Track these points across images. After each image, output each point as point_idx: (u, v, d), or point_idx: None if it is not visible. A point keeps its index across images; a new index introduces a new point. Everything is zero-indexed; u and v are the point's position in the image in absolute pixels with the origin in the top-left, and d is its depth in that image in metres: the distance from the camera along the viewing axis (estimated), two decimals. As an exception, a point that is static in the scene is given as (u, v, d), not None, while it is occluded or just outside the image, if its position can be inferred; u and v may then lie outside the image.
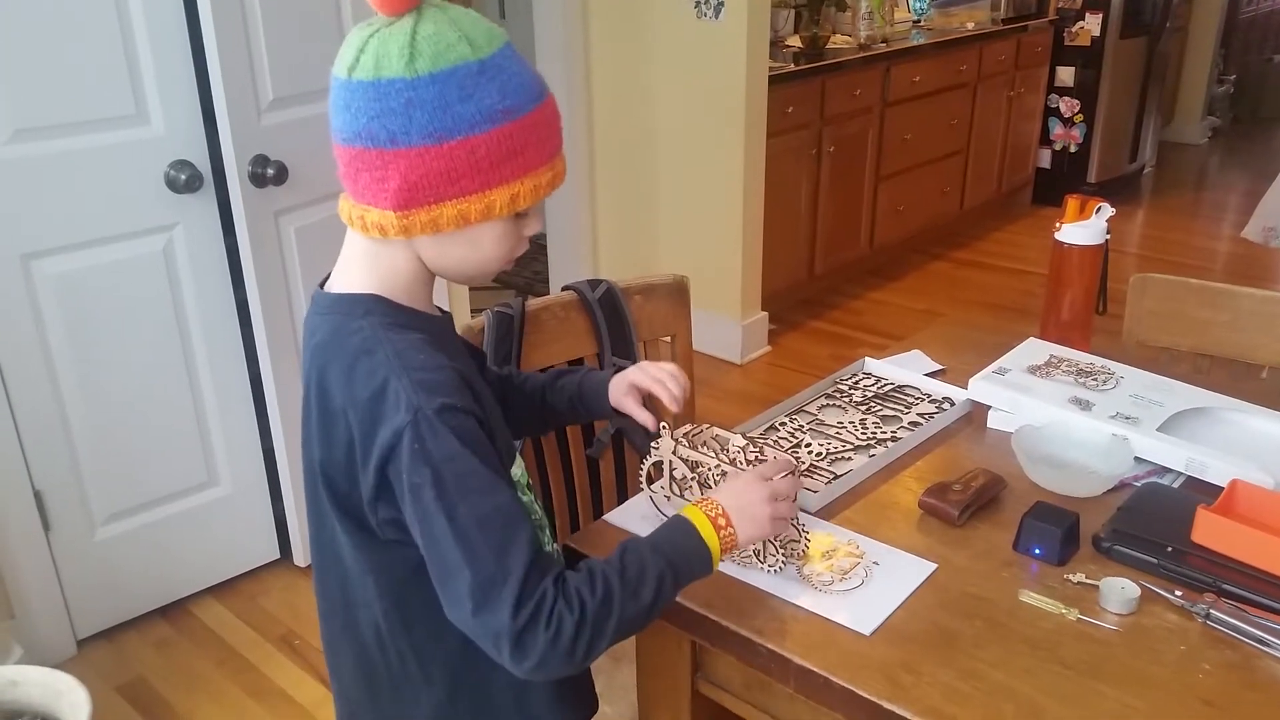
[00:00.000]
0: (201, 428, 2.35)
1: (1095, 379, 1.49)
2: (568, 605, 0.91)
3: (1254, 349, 1.72)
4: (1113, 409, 1.41)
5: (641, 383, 1.24)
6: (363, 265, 1.02)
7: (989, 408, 1.48)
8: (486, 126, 0.93)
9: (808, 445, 1.41)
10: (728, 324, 3.59)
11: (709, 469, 1.17)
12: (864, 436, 1.44)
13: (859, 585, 1.14)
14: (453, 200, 0.95)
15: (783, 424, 1.48)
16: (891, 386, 1.58)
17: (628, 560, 0.97)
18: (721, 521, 1.02)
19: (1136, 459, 1.33)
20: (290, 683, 2.20)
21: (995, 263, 4.60)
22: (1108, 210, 1.59)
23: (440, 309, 1.10)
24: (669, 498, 1.23)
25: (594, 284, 1.62)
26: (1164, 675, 1.01)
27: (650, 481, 1.25)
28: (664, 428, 1.21)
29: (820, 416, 1.51)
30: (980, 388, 1.49)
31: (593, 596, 0.93)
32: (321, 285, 1.07)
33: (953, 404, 1.51)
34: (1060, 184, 5.00)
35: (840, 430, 1.46)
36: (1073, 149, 5.18)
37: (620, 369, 1.27)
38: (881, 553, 1.19)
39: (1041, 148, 5.24)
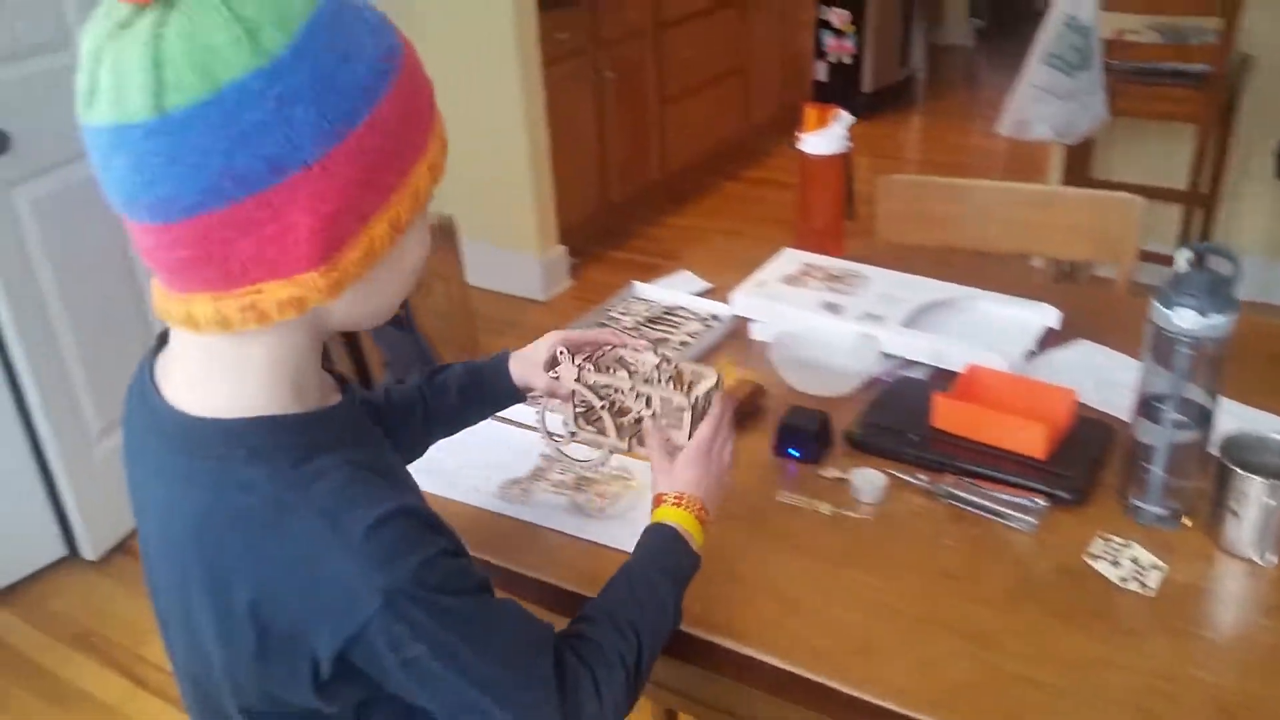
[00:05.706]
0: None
1: (845, 283, 1.56)
2: (608, 669, 0.83)
3: (994, 238, 1.83)
4: (861, 310, 1.48)
5: (571, 337, 1.07)
6: (230, 373, 0.72)
7: (751, 320, 1.53)
8: (383, 85, 0.67)
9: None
10: (527, 260, 3.56)
11: (623, 392, 1.06)
12: (634, 361, 1.46)
13: (631, 509, 1.16)
14: (381, 209, 0.68)
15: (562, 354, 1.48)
16: (662, 309, 1.61)
17: (642, 595, 0.90)
18: (704, 516, 0.96)
19: (886, 355, 1.41)
20: (94, 683, 2.09)
21: (785, 178, 4.71)
22: (846, 118, 1.64)
23: (332, 373, 0.85)
24: (574, 433, 1.09)
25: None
26: (910, 555, 1.09)
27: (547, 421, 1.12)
28: (562, 353, 1.08)
29: (593, 346, 1.52)
30: (741, 301, 1.54)
31: (628, 647, 0.85)
32: (152, 367, 0.77)
33: (719, 320, 1.55)
34: (837, 96, 5.16)
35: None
36: (846, 60, 5.34)
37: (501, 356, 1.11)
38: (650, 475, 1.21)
39: (817, 61, 5.38)
